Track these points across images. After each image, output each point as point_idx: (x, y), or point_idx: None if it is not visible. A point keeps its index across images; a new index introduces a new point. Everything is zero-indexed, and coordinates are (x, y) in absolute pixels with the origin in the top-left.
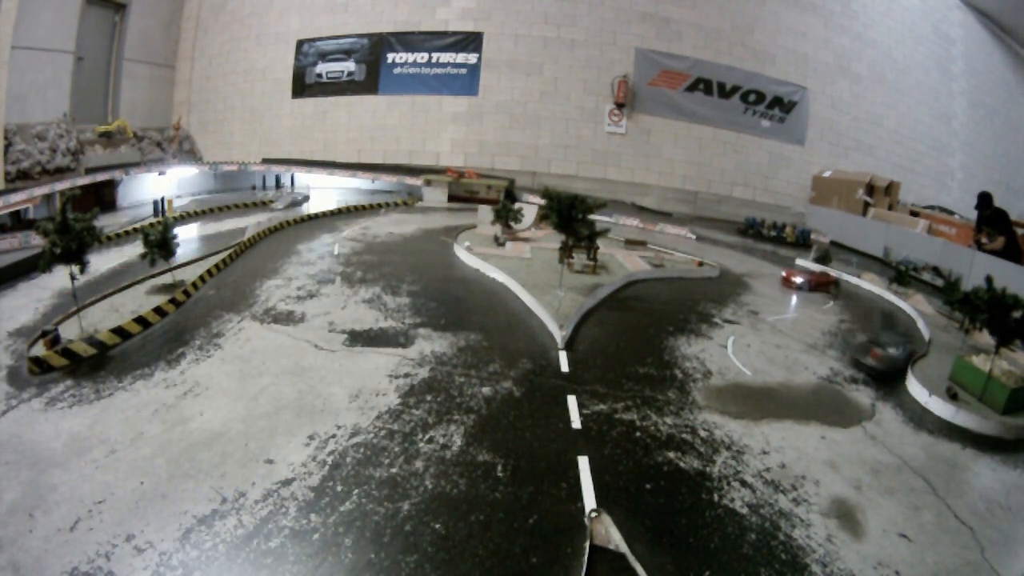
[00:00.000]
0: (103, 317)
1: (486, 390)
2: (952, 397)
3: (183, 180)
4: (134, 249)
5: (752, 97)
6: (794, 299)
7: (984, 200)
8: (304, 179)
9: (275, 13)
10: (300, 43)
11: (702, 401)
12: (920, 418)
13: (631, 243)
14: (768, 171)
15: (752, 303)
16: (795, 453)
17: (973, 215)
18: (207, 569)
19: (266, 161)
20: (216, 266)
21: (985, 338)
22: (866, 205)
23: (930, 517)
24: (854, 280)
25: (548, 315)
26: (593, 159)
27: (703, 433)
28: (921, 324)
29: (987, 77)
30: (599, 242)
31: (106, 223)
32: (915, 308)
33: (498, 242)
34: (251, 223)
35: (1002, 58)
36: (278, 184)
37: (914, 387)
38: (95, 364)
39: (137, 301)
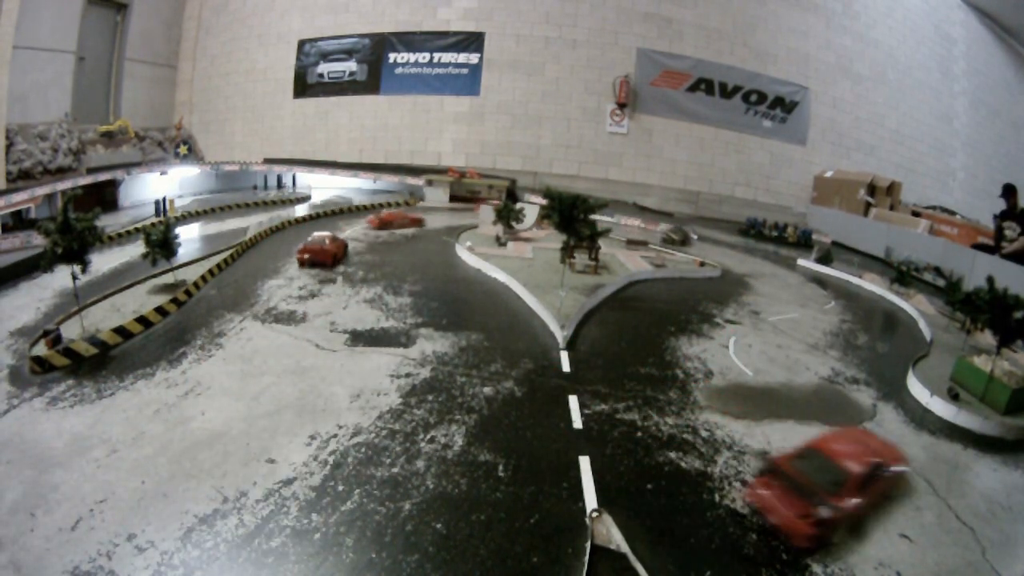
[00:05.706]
0: (105, 317)
1: (487, 390)
2: (953, 397)
3: (184, 180)
4: (136, 249)
5: (754, 97)
6: (796, 299)
7: (1008, 191)
8: (306, 179)
9: (277, 13)
10: (302, 43)
11: (703, 401)
12: (921, 418)
13: (632, 243)
14: (770, 171)
15: (753, 303)
16: None
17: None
18: (208, 568)
19: (268, 161)
20: (218, 266)
21: (986, 338)
22: (868, 205)
23: (931, 517)
24: (855, 280)
25: (550, 315)
26: (595, 159)
27: (704, 433)
28: (922, 324)
29: (989, 77)
30: (600, 242)
31: (107, 223)
32: (916, 308)
33: (500, 242)
34: (252, 223)
35: (1004, 58)
36: (279, 184)
37: (915, 387)
38: (97, 364)
39: (139, 301)
